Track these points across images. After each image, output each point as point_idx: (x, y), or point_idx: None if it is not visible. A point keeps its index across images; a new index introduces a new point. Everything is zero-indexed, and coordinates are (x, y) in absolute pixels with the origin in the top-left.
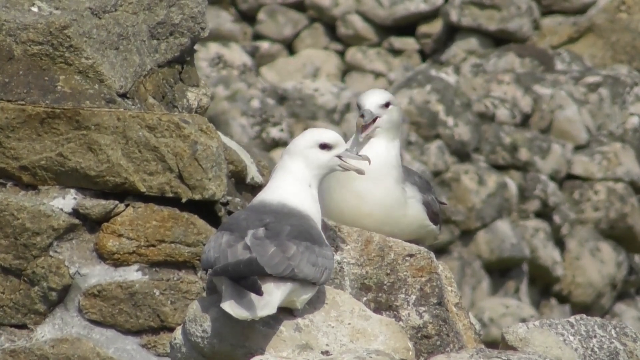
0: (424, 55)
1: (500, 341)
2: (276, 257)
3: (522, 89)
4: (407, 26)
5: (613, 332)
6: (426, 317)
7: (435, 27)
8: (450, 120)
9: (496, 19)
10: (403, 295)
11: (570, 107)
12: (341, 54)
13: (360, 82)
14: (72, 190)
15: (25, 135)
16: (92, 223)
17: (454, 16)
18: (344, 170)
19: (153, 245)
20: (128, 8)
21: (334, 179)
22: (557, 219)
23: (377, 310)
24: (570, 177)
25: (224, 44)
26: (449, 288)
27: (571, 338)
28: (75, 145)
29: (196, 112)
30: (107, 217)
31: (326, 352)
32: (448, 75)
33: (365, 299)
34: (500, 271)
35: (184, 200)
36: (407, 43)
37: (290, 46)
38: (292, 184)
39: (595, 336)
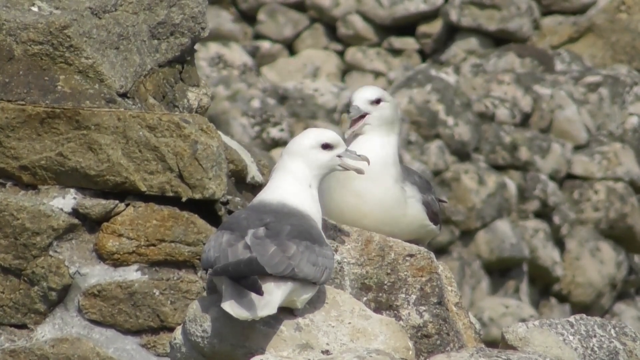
0: (423, 55)
1: (500, 341)
2: (276, 257)
3: (522, 89)
4: (407, 26)
5: (613, 331)
6: (426, 316)
7: (435, 27)
8: (450, 120)
9: (496, 19)
10: (403, 295)
11: (570, 107)
12: (341, 54)
13: (360, 82)
14: (72, 190)
15: (25, 135)
16: (92, 223)
17: (453, 16)
18: (344, 170)
19: (153, 245)
20: (128, 8)
21: (334, 179)
22: (556, 219)
23: (378, 309)
24: (570, 177)
25: (224, 43)
26: (449, 288)
27: (571, 338)
28: (76, 145)
29: (196, 112)
30: (107, 216)
31: (326, 352)
32: (448, 75)
33: (365, 298)
34: (500, 271)
35: (184, 199)
36: (407, 43)
37: (290, 46)
38: (292, 184)
39: (595, 336)
